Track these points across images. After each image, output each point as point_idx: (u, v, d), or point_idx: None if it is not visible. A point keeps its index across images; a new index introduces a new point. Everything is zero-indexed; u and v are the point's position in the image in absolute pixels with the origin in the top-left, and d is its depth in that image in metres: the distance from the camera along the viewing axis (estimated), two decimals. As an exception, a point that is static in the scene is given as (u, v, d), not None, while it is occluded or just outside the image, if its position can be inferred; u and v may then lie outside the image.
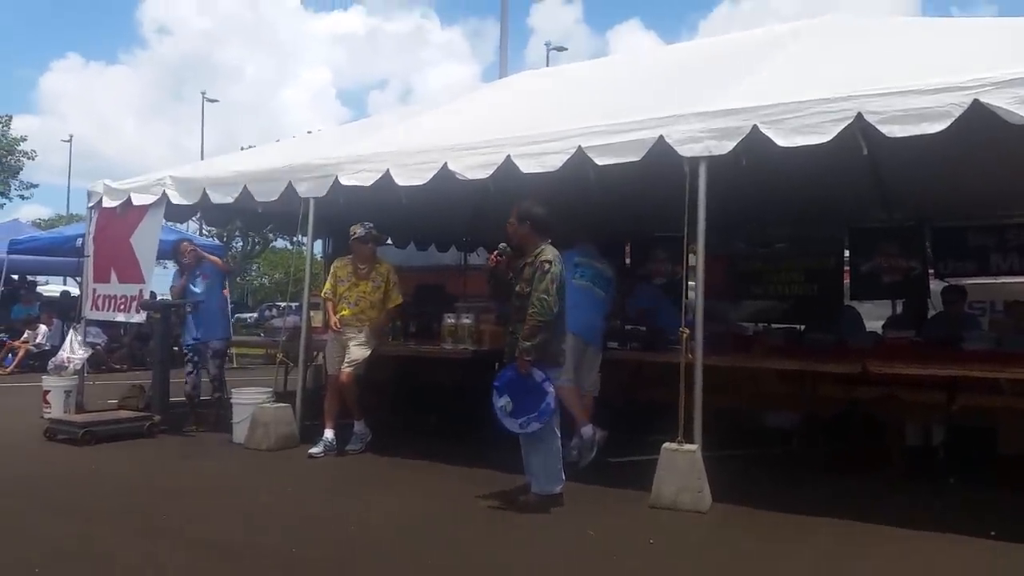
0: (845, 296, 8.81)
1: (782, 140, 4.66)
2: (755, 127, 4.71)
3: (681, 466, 4.75)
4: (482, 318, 7.16)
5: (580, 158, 5.29)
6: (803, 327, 7.80)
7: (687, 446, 4.77)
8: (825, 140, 4.55)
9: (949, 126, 4.23)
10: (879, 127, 4.40)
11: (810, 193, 7.35)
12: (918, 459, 5.89)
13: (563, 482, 4.91)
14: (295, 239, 11.13)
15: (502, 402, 4.80)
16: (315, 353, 7.65)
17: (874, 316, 8.44)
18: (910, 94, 4.33)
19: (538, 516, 4.69)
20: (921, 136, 4.32)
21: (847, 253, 8.96)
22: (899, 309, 8.59)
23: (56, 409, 7.71)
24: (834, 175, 6.41)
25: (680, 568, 3.89)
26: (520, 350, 4.75)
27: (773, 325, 8.43)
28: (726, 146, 4.81)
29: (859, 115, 4.44)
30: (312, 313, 7.43)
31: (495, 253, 5.00)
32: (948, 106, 4.23)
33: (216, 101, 45.86)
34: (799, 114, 4.63)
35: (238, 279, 32.30)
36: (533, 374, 4.76)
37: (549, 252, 4.89)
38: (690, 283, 5.51)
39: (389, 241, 10.46)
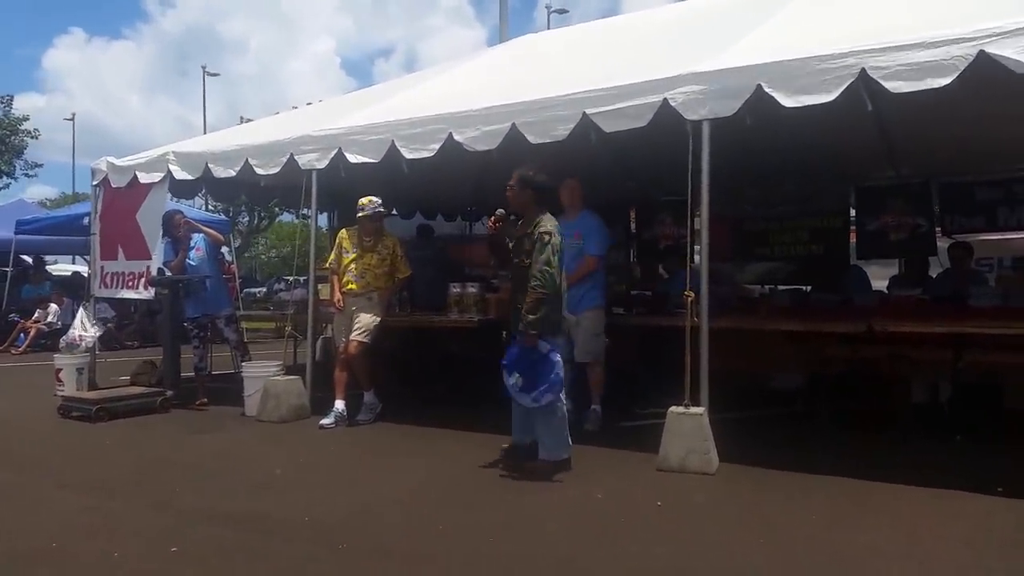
0: (851, 255, 8.78)
1: (787, 100, 4.61)
2: (759, 87, 4.66)
3: (688, 429, 4.77)
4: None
5: (585, 124, 5.26)
6: (809, 288, 7.79)
7: (694, 409, 4.78)
8: (829, 99, 4.49)
9: (955, 79, 4.17)
10: (883, 83, 4.35)
11: (815, 151, 7.29)
12: (924, 417, 5.90)
13: (570, 448, 4.95)
14: (300, 212, 11.15)
15: (512, 380, 4.78)
16: (323, 325, 7.69)
17: (884, 276, 8.42)
18: (914, 48, 4.26)
19: (547, 481, 4.73)
20: (927, 90, 4.26)
21: (853, 212, 8.90)
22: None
23: (69, 386, 7.80)
24: (839, 132, 6.36)
25: (688, 529, 3.92)
26: (524, 324, 4.72)
27: (779, 286, 8.42)
28: (731, 107, 4.76)
29: (863, 71, 4.37)
30: (319, 286, 7.46)
31: (493, 219, 4.99)
32: (953, 59, 4.16)
33: (217, 75, 45.89)
34: (801, 72, 4.57)
35: (245, 254, 32.30)
36: (539, 345, 4.76)
37: (548, 223, 4.84)
38: (695, 247, 5.48)
39: (394, 212, 10.47)
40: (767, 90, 4.65)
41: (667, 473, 4.74)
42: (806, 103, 4.57)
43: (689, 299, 4.85)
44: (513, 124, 5.53)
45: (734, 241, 8.89)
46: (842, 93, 4.47)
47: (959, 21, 4.31)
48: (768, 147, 6.73)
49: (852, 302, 6.52)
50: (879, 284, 7.96)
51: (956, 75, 4.17)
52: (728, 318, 5.54)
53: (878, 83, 4.38)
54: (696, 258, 5.44)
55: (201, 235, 7.65)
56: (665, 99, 4.94)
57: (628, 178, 8.73)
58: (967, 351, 5.36)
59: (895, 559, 3.46)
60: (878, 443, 5.42)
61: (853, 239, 8.86)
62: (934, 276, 7.69)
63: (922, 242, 8.30)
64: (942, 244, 8.13)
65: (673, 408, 4.83)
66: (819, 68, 4.52)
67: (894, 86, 4.33)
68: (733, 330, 5.51)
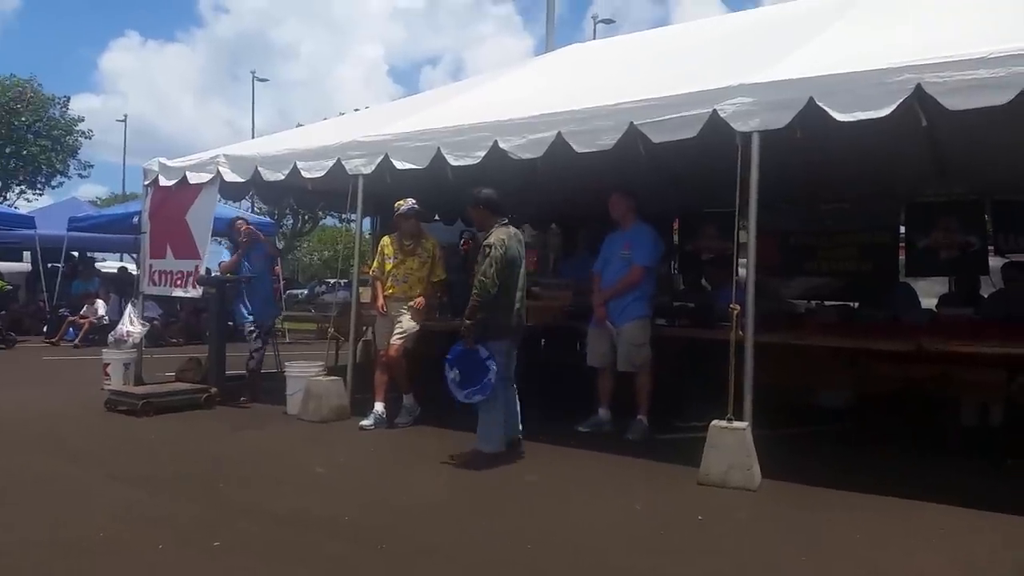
0: (900, 273, 8.62)
1: (839, 115, 4.53)
2: (811, 100, 4.60)
3: (730, 443, 4.71)
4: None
5: (631, 134, 5.24)
6: (857, 304, 7.66)
7: (737, 423, 4.72)
8: (883, 114, 4.40)
9: (1015, 97, 4.06)
10: (940, 99, 4.25)
11: (865, 166, 7.17)
12: (974, 439, 5.75)
13: (500, 444, 5.31)
14: (344, 216, 11.29)
15: (452, 374, 5.21)
16: (365, 328, 7.77)
17: (930, 294, 8.25)
18: (972, 63, 4.16)
19: (585, 490, 4.72)
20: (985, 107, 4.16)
21: (903, 228, 8.74)
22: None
23: (116, 381, 7.97)
24: (891, 148, 6.24)
25: (729, 545, 3.87)
26: (462, 328, 5.18)
27: (826, 302, 8.29)
28: (782, 120, 4.70)
29: (918, 86, 4.29)
30: (361, 289, 7.53)
31: (462, 241, 5.28)
32: (1012, 75, 4.05)
33: (266, 80, 47.06)
34: (855, 86, 4.49)
35: (288, 256, 32.75)
36: (478, 351, 5.10)
37: (493, 236, 5.24)
38: (741, 260, 5.42)
39: (437, 218, 10.54)
40: (819, 103, 4.58)
41: (708, 488, 4.68)
42: (859, 118, 4.48)
43: (734, 312, 4.80)
44: (559, 133, 5.52)
45: (781, 255, 8.77)
46: (896, 108, 4.39)
47: (1020, 37, 4.21)
48: (818, 161, 6.64)
49: (901, 320, 6.39)
50: (926, 302, 7.80)
51: (1017, 93, 4.06)
52: (774, 333, 5.46)
53: (933, 99, 4.29)
54: (741, 271, 5.38)
55: (263, 246, 7.84)
56: (714, 110, 4.90)
57: (671, 189, 8.67)
58: (1021, 373, 5.22)
59: (943, 584, 3.38)
60: (925, 464, 5.29)
61: (902, 256, 8.70)
62: (986, 296, 7.51)
63: (973, 260, 8.13)
64: (995, 263, 7.95)
65: (716, 422, 4.77)
66: (874, 83, 4.44)
67: (951, 103, 4.23)
68: (778, 345, 5.43)
